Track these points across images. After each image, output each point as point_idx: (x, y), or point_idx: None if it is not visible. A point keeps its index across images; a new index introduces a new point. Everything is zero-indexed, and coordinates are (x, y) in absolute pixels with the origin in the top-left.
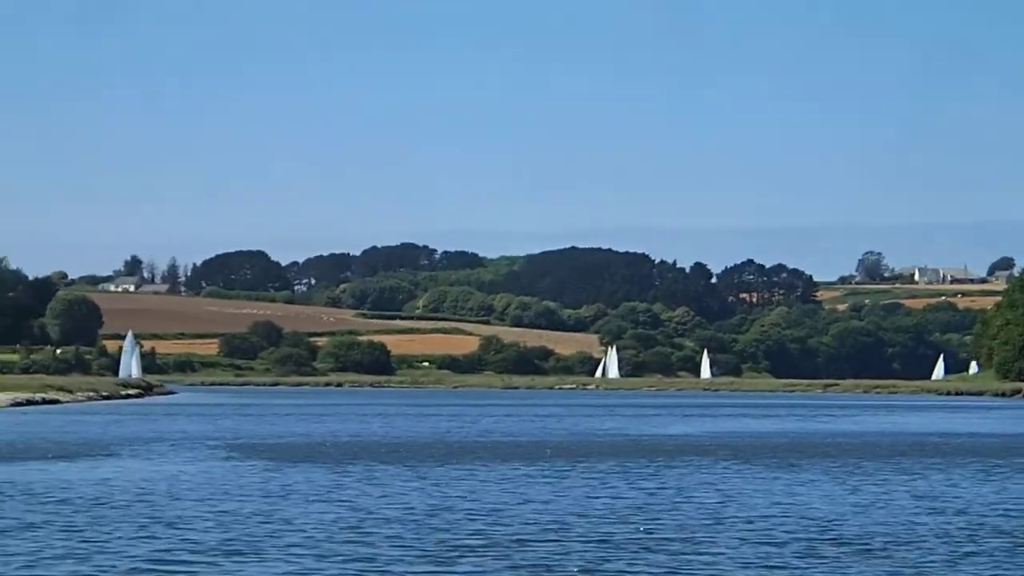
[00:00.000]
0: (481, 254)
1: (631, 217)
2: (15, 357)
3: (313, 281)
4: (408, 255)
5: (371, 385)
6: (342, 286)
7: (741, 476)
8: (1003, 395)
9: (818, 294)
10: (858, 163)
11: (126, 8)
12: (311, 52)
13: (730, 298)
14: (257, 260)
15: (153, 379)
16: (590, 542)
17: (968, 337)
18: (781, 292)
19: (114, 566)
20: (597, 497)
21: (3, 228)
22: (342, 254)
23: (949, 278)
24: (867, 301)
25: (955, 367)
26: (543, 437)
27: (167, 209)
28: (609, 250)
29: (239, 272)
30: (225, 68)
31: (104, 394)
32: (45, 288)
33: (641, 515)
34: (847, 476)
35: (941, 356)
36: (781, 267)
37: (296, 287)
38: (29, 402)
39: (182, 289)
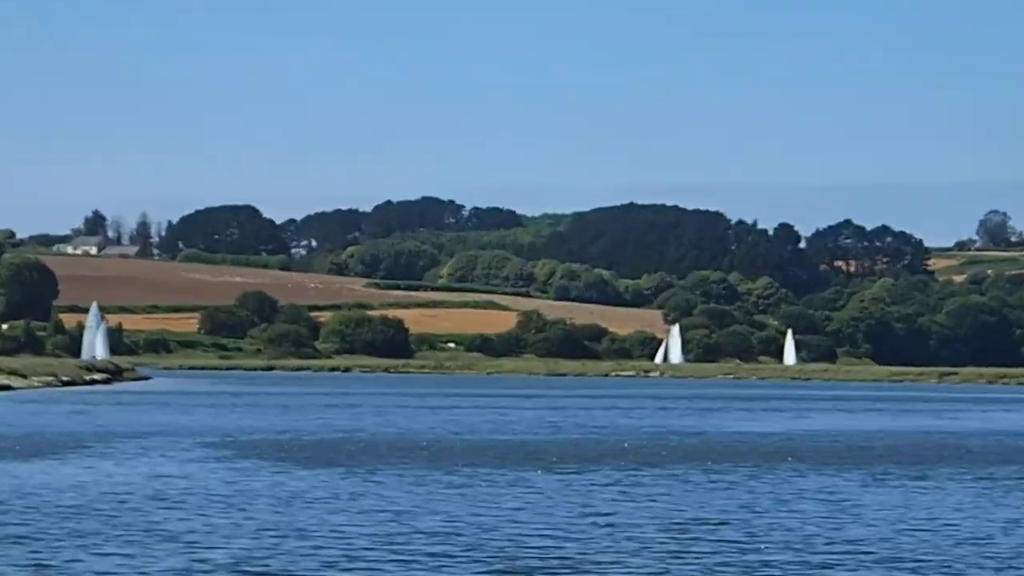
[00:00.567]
0: (519, 211)
1: (702, 169)
2: None
3: (314, 243)
4: (430, 212)
5: (386, 371)
6: (349, 250)
7: (854, 484)
8: None
9: (930, 262)
10: (979, 110)
11: None
12: None
13: (822, 267)
14: (246, 217)
15: (122, 361)
16: (684, 563)
17: None
18: (885, 260)
19: None
20: (682, 509)
21: None
22: (349, 211)
23: None
24: (990, 272)
25: None
26: (600, 436)
27: (136, 155)
28: (675, 207)
29: (224, 232)
30: None
31: (65, 379)
32: None
33: (741, 533)
34: (986, 486)
35: None
36: (885, 230)
37: (293, 250)
38: None
39: (155, 252)
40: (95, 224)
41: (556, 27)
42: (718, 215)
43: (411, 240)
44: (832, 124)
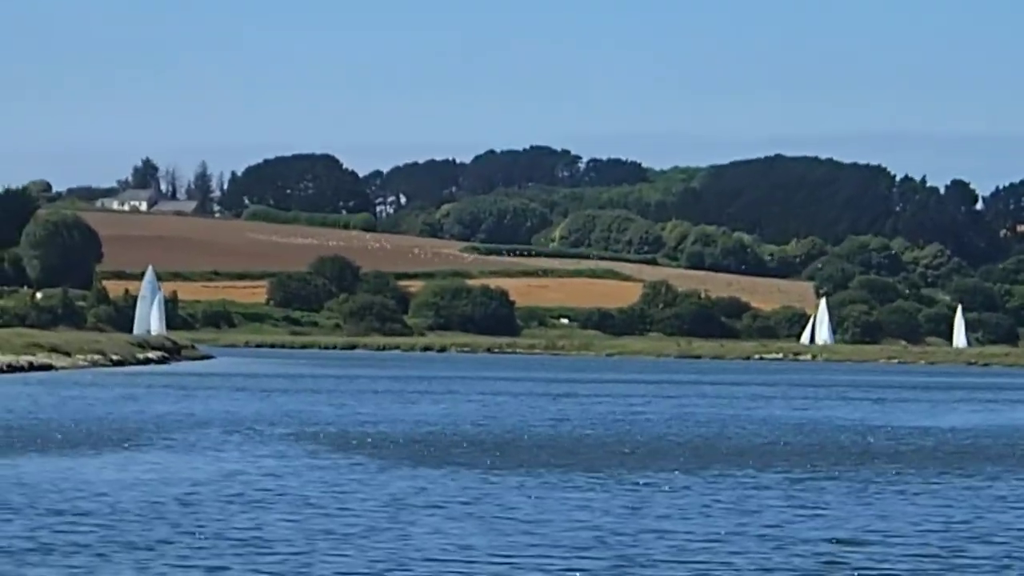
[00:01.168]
0: (645, 164)
1: (861, 116)
2: None
3: (403, 200)
4: (540, 165)
5: (488, 350)
6: (444, 208)
7: None
8: None
9: None
10: None
11: None
12: None
13: (1003, 232)
14: (323, 168)
15: (179, 337)
16: None
17: None
18: None
19: None
20: (871, 526)
21: None
22: (445, 162)
23: None
24: None
25: None
26: (755, 431)
27: (194, 95)
28: (830, 161)
29: (297, 186)
30: None
31: (115, 358)
32: (19, 205)
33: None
34: None
35: None
36: None
37: (379, 208)
38: (11, 367)
39: (216, 209)
40: (145, 175)
41: None
42: (880, 170)
43: (517, 197)
44: (1015, 63)
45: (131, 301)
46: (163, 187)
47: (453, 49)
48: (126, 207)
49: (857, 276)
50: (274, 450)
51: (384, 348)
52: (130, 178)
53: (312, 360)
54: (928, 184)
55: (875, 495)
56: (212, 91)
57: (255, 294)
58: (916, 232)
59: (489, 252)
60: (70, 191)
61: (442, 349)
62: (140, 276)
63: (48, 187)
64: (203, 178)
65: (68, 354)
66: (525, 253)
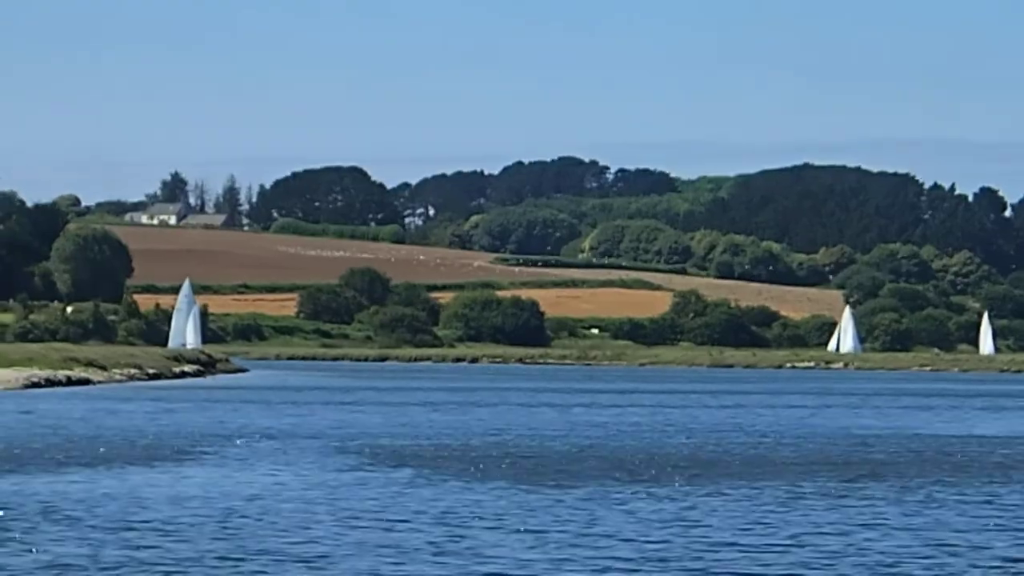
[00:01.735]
0: (673, 174)
1: (889, 125)
2: (8, 317)
3: (432, 212)
4: (569, 175)
5: (520, 361)
6: (473, 219)
7: None
8: None
9: None
10: None
11: None
12: None
13: None
14: (351, 181)
15: (211, 350)
16: None
17: None
18: None
19: None
20: (937, 543)
21: None
22: (474, 173)
23: None
24: None
25: None
26: (791, 441)
27: (222, 109)
28: (858, 169)
29: (326, 198)
30: None
31: (151, 372)
32: (49, 219)
33: None
34: None
35: None
36: None
37: (408, 220)
38: (49, 381)
39: (244, 222)
40: (174, 189)
41: None
42: (908, 178)
43: (546, 208)
44: None
45: (162, 315)
46: (192, 201)
47: (480, 61)
48: (155, 221)
49: (887, 284)
50: (319, 464)
51: (416, 360)
52: (159, 192)
53: (346, 373)
54: (957, 192)
55: (926, 510)
56: (240, 105)
57: (285, 307)
58: (945, 240)
59: (519, 263)
60: (99, 205)
61: (474, 360)
62: (170, 290)
63: (77, 201)
64: (232, 191)
65: (104, 368)
66: (555, 264)
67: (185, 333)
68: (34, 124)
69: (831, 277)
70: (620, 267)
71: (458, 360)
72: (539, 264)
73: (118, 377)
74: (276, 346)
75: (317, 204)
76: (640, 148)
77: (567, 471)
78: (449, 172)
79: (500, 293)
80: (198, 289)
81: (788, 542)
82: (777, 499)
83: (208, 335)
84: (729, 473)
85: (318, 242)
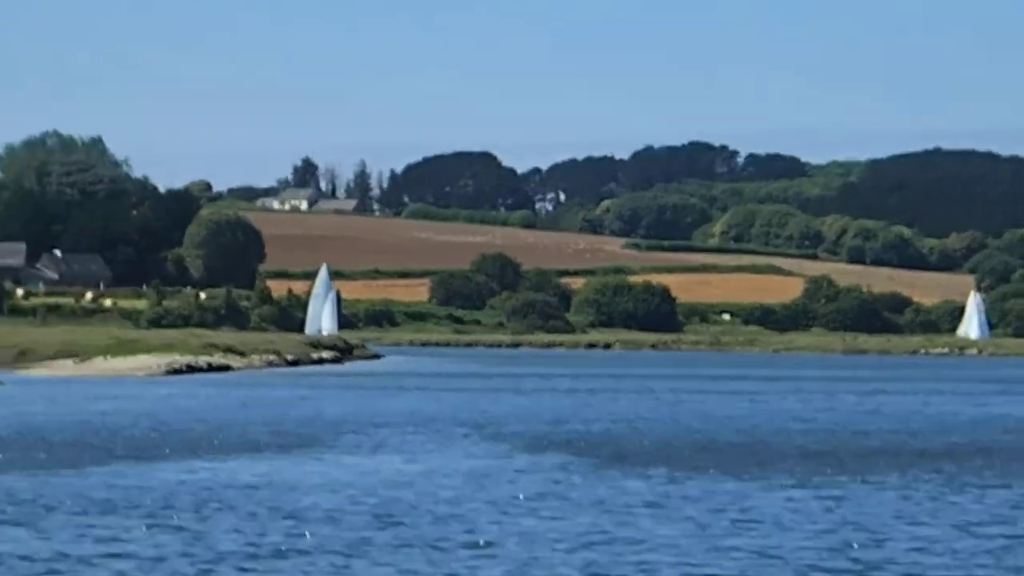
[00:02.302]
0: (803, 159)
1: (1019, 110)
2: (142, 303)
3: (563, 197)
4: (699, 160)
5: (652, 347)
6: (604, 204)
7: None
8: None
9: None
10: None
11: None
12: None
13: None
14: (483, 166)
15: (348, 336)
16: None
17: None
18: None
19: None
20: None
21: (125, 123)
22: (604, 158)
23: None
24: None
25: None
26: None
27: (353, 94)
28: (988, 154)
29: (456, 183)
30: None
31: (289, 358)
32: (182, 205)
33: None
34: None
35: None
36: None
37: (538, 204)
38: (190, 368)
39: (375, 207)
40: (305, 175)
41: None
42: None
43: (676, 193)
44: None
45: (294, 301)
46: (323, 186)
47: (611, 45)
48: (286, 206)
49: (1019, 269)
50: (474, 450)
51: (549, 346)
52: (290, 177)
53: (480, 358)
54: None
55: None
56: (370, 90)
57: (417, 292)
58: None
59: (650, 248)
60: (230, 191)
61: (606, 346)
62: (303, 276)
63: (209, 187)
64: (363, 177)
65: (243, 354)
66: (685, 249)
67: (321, 319)
68: (165, 110)
69: (962, 262)
70: (751, 252)
71: (591, 346)
72: (669, 249)
73: (257, 363)
74: (408, 332)
75: (448, 189)
76: (771, 133)
77: (718, 458)
78: (579, 157)
79: (631, 278)
80: (330, 275)
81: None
82: None
83: (341, 321)
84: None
85: (449, 227)
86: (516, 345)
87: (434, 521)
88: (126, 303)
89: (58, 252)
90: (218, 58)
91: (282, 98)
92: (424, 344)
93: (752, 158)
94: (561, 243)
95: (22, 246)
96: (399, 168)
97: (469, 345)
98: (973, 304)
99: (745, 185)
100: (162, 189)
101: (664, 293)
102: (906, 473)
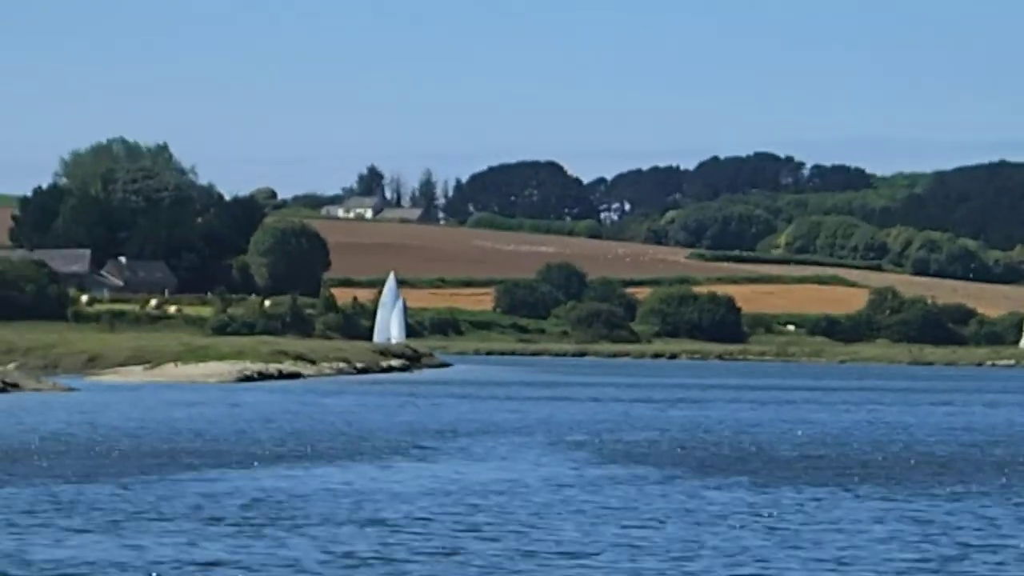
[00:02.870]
0: (869, 170)
1: None
2: (207, 311)
3: (628, 207)
4: (764, 171)
5: (719, 357)
6: (669, 214)
7: None
8: None
9: None
10: None
11: None
12: None
13: None
14: (548, 175)
15: (416, 345)
16: None
17: None
18: None
19: None
20: None
21: (191, 130)
22: (669, 168)
23: None
24: None
25: None
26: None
27: (419, 102)
28: None
29: (522, 193)
30: None
31: (359, 365)
32: (247, 212)
33: None
34: None
35: None
36: None
37: (603, 214)
38: (261, 375)
39: (440, 216)
40: (371, 183)
41: None
42: None
43: (742, 203)
44: None
45: (359, 309)
46: (388, 194)
47: (676, 55)
48: (351, 214)
49: None
50: (553, 459)
51: (615, 356)
52: (355, 185)
53: (547, 368)
54: None
55: None
56: (436, 98)
57: (482, 301)
58: None
59: (715, 259)
60: (295, 199)
61: (672, 356)
62: (368, 284)
63: (273, 194)
64: (428, 185)
65: (313, 362)
66: (750, 260)
67: (390, 327)
68: (231, 118)
69: None
70: (815, 263)
71: (657, 356)
72: (735, 259)
73: (327, 371)
74: (473, 341)
75: (513, 198)
76: (836, 144)
77: (804, 468)
78: (645, 167)
79: (696, 289)
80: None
81: None
82: None
83: (406, 329)
84: None
85: (514, 236)
86: (581, 354)
87: (520, 529)
88: (191, 310)
89: (123, 259)
90: (284, 65)
91: (348, 106)
92: (489, 353)
93: (817, 169)
94: (626, 253)
95: (87, 253)
96: (464, 177)
97: (535, 354)
98: None
99: (810, 196)
100: (227, 196)
101: (729, 303)
102: (1009, 487)
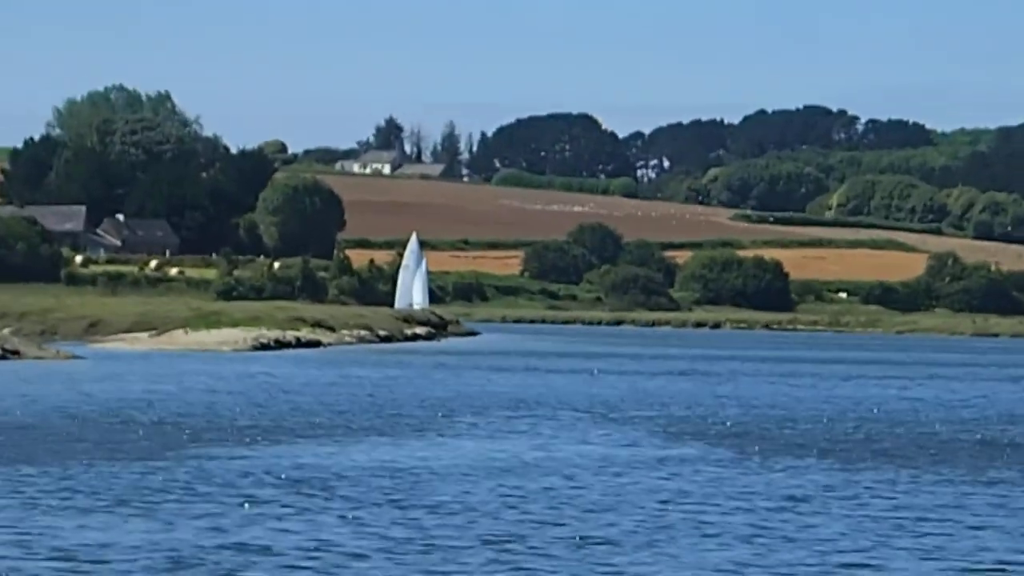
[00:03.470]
0: (928, 125)
1: None
2: (211, 273)
3: (667, 164)
4: (815, 126)
5: (766, 327)
6: (712, 172)
7: None
8: None
9: None
10: None
11: None
12: None
13: None
14: (580, 130)
15: (441, 312)
16: None
17: None
18: None
19: None
20: None
21: (195, 78)
22: (712, 122)
23: None
24: None
25: None
26: None
27: (441, 50)
28: None
29: (552, 148)
30: None
31: (382, 334)
32: (255, 167)
33: None
34: None
35: None
36: None
37: (640, 172)
38: (278, 343)
39: (464, 172)
40: (388, 136)
41: None
42: None
43: (790, 161)
44: None
45: (376, 272)
46: (407, 149)
47: (719, 2)
48: (368, 170)
49: None
50: (606, 436)
51: (653, 324)
52: (372, 139)
53: (582, 337)
54: None
55: None
56: (460, 46)
57: (508, 265)
58: None
59: (760, 220)
60: (307, 153)
61: (715, 326)
62: (385, 245)
63: (284, 148)
64: (450, 139)
65: (333, 329)
66: (800, 222)
67: (412, 292)
68: (238, 65)
69: None
70: (870, 226)
71: (699, 325)
72: (782, 222)
73: (347, 339)
74: (499, 307)
75: (543, 154)
76: (893, 98)
77: (877, 449)
78: (686, 121)
79: (741, 253)
80: None
81: None
82: None
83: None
84: None
85: (544, 195)
86: (617, 323)
87: (580, 514)
88: (194, 273)
89: (121, 217)
90: (295, 7)
91: (364, 52)
92: (517, 321)
93: (872, 124)
94: (665, 214)
95: (82, 210)
96: (490, 130)
97: (566, 323)
98: None
99: (864, 154)
100: (234, 150)
101: (776, 269)
102: None
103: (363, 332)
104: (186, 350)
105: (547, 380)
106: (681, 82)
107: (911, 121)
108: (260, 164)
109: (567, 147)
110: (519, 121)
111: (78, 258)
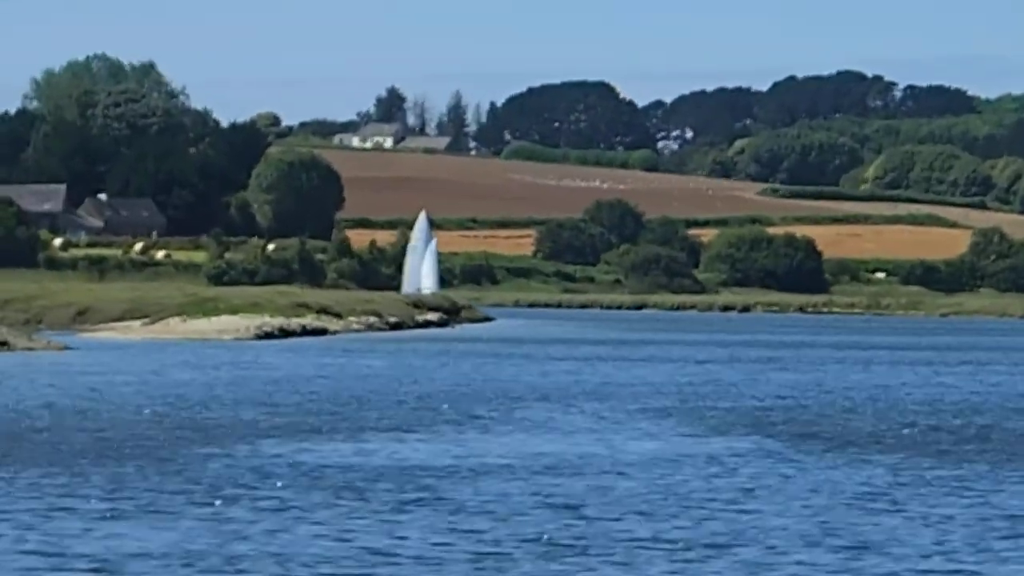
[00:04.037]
0: (971, 92)
1: None
2: (201, 256)
3: (690, 134)
4: (849, 92)
5: (800, 309)
6: (738, 143)
7: None
8: None
9: None
10: None
11: None
12: None
13: None
14: (597, 98)
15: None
16: None
17: None
18: None
19: None
20: None
21: (181, 46)
22: (738, 90)
23: None
24: None
25: None
26: None
27: (447, 17)
28: None
29: (567, 118)
30: None
31: (391, 320)
32: (247, 142)
33: None
34: None
35: None
36: None
37: (661, 144)
38: (283, 331)
39: (472, 146)
40: (390, 107)
41: None
42: None
43: (823, 131)
44: None
45: (378, 254)
46: (411, 121)
47: None
48: (368, 144)
49: None
50: (651, 429)
51: (677, 308)
52: (372, 110)
53: (603, 321)
54: None
55: None
56: (467, 10)
57: (520, 245)
58: None
59: (791, 195)
60: (303, 126)
61: (745, 309)
62: (387, 224)
63: (277, 120)
64: (457, 110)
65: (339, 315)
66: (833, 196)
67: (420, 275)
68: (228, 32)
69: None
70: (909, 200)
71: (727, 308)
72: (815, 196)
73: (355, 326)
74: (510, 291)
75: (557, 125)
76: (933, 63)
77: (948, 443)
78: (710, 88)
79: (770, 230)
80: None
81: None
82: None
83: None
84: None
85: (558, 169)
86: (639, 307)
87: (622, 515)
88: (182, 255)
89: (103, 196)
90: None
91: (364, 18)
92: (531, 305)
93: (911, 91)
94: (688, 189)
95: (61, 189)
96: (499, 100)
97: (584, 307)
98: None
99: (903, 122)
100: (224, 123)
101: (808, 247)
102: None
103: (372, 319)
104: (184, 339)
105: (580, 368)
106: (705, 46)
107: (952, 87)
108: (252, 138)
109: (582, 117)
110: (530, 90)
111: (57, 241)
